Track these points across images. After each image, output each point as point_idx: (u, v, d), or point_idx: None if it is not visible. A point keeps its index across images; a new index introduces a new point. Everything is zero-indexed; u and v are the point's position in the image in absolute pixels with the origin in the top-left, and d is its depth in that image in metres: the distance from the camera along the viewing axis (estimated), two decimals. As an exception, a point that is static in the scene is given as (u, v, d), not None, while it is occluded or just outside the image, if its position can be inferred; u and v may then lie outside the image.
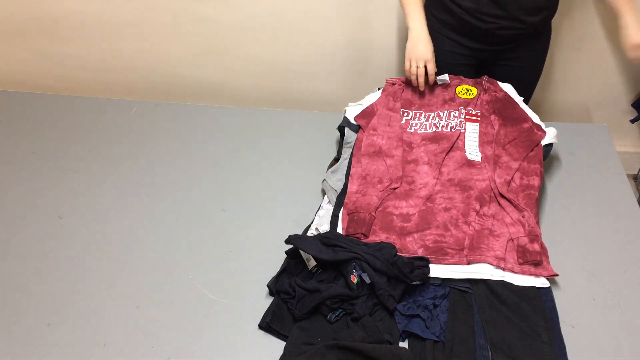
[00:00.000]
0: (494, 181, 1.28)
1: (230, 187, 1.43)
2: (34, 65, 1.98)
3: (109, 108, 1.71)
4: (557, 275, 1.14)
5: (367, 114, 1.46)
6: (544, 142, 1.35)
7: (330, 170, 1.40)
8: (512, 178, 1.29)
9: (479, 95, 1.45)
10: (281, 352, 1.05)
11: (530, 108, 1.44)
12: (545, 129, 1.38)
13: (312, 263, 1.13)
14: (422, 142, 1.39)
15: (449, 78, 1.46)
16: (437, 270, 1.13)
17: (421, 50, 1.38)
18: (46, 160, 1.52)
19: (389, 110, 1.45)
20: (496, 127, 1.39)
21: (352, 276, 1.09)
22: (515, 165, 1.31)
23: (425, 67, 1.40)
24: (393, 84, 1.50)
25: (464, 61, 1.49)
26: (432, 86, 1.48)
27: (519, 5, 1.34)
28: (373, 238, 1.21)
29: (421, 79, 1.41)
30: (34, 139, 1.60)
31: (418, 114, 1.45)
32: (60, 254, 1.26)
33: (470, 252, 1.16)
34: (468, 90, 1.46)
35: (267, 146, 1.55)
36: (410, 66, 1.41)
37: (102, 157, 1.53)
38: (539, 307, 1.07)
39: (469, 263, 1.14)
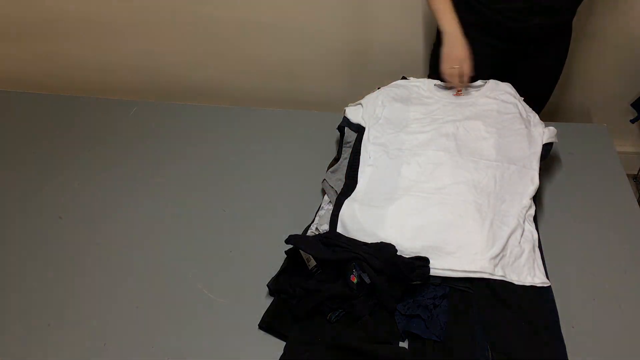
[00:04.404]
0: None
1: (230, 187, 1.43)
2: (34, 65, 1.98)
3: (109, 108, 1.71)
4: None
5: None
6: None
7: (330, 170, 1.40)
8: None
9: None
10: (281, 352, 1.05)
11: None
12: (545, 129, 1.38)
13: (312, 263, 1.13)
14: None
15: None
16: (437, 270, 1.13)
17: (457, 51, 1.39)
18: (46, 160, 1.53)
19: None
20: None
21: (352, 276, 1.09)
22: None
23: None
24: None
25: (489, 62, 1.48)
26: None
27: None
28: (373, 238, 1.21)
29: (457, 80, 1.40)
30: (34, 139, 1.60)
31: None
32: (60, 254, 1.26)
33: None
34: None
35: (267, 146, 1.55)
36: (447, 67, 1.40)
37: (102, 157, 1.53)
38: (539, 307, 1.07)
39: (469, 262, 1.14)
